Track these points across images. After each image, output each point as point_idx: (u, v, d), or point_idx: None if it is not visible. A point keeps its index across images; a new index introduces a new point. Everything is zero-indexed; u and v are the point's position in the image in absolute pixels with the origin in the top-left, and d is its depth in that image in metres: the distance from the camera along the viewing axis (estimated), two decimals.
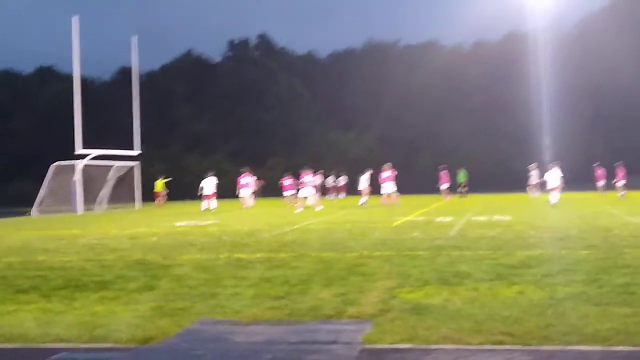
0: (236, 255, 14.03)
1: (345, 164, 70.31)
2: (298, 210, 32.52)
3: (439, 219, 23.94)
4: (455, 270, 11.02)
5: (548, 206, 30.71)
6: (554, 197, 31.66)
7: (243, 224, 23.80)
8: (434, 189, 47.65)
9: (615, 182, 41.98)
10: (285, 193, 39.61)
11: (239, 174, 40.04)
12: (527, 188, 44.95)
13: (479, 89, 75.78)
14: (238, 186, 37.95)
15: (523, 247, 14.15)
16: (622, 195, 39.61)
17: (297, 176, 38.38)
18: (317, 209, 33.39)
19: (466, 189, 48.11)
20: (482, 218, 23.64)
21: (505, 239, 15.78)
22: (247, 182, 39.43)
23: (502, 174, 45.76)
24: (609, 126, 71.33)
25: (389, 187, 38.01)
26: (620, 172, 41.77)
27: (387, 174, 38.04)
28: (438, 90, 76.02)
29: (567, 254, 12.91)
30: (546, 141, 60.94)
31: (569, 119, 67.53)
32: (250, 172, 38.62)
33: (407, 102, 77.78)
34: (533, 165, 42.89)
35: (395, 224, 22.07)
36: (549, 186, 33.09)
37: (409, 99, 77.51)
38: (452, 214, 26.81)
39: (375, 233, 18.53)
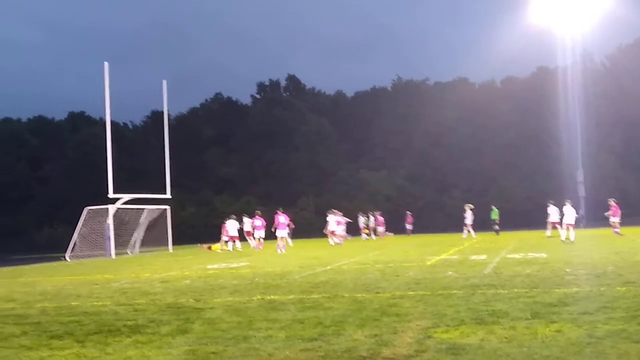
0: (268, 297, 13.94)
1: (376, 203, 70.15)
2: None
3: (473, 257, 23.68)
4: (491, 309, 10.85)
5: (584, 243, 30.32)
6: (570, 234, 31.73)
7: (274, 266, 23.72)
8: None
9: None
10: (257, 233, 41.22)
11: (270, 215, 40.56)
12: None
13: (510, 125, 75.41)
14: (273, 226, 38.14)
15: (559, 284, 13.92)
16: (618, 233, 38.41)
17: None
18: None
19: (497, 227, 47.59)
20: (516, 256, 23.33)
21: (541, 277, 15.54)
22: (261, 224, 40.91)
23: (535, 210, 45.29)
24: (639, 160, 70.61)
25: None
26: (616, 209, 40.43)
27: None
28: (468, 128, 75.83)
29: (604, 290, 12.66)
30: (580, 177, 60.32)
31: (600, 154, 66.99)
32: (282, 212, 38.74)
33: (437, 140, 77.67)
34: (551, 202, 42.29)
35: (429, 262, 21.86)
36: (565, 222, 32.91)
37: (439, 136, 77.41)
38: (486, 252, 26.52)
39: (409, 272, 18.36)
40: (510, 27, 77.37)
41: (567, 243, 30.67)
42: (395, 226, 57.09)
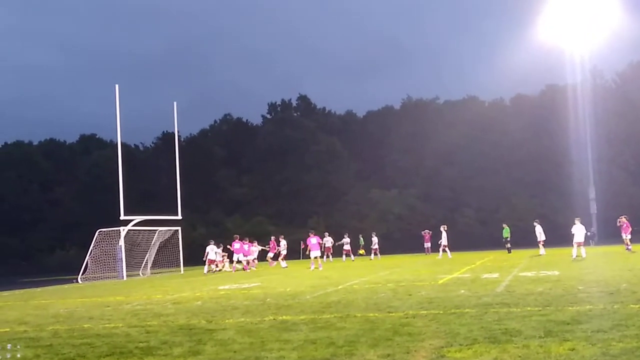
0: (280, 318, 13.91)
1: (387, 222, 70.12)
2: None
3: (485, 275, 23.57)
4: (504, 327, 10.78)
5: (596, 260, 30.18)
6: (582, 251, 31.76)
7: (286, 286, 23.67)
8: (478, 246, 47.14)
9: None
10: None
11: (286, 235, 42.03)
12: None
13: (520, 142, 75.35)
14: (302, 246, 38.92)
15: (573, 302, 13.83)
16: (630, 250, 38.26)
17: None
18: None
19: (509, 244, 47.39)
20: (529, 274, 23.21)
21: (554, 295, 15.45)
22: (239, 248, 42.14)
23: (547, 228, 45.10)
24: None
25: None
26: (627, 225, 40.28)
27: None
28: (479, 146, 75.80)
29: (618, 308, 12.57)
30: (591, 194, 60.10)
31: (612, 171, 66.78)
32: (314, 235, 39.35)
33: (447, 159, 77.64)
34: (537, 221, 42.30)
35: (441, 281, 21.78)
36: (575, 240, 32.84)
37: (450, 155, 77.38)
38: (498, 270, 26.40)
39: (421, 291, 18.29)
40: (520, 45, 77.57)
41: (579, 260, 30.54)
42: (408, 245, 56.92)
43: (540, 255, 38.39)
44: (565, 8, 59.58)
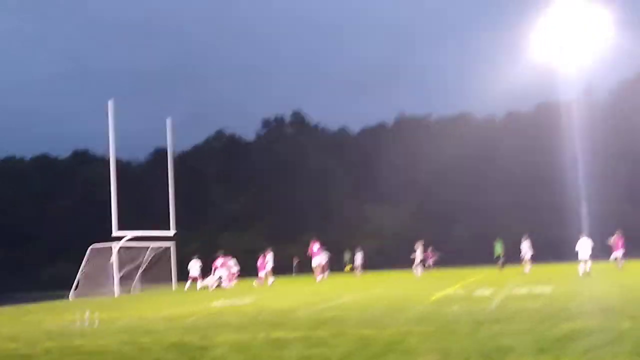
0: (273, 335, 13.87)
1: (381, 238, 70.09)
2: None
3: (478, 292, 23.59)
4: (498, 344, 10.78)
5: (589, 277, 30.29)
6: (587, 266, 31.96)
7: (279, 302, 23.63)
8: (471, 262, 47.14)
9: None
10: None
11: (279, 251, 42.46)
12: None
13: (513, 159, 75.51)
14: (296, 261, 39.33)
15: (566, 319, 13.83)
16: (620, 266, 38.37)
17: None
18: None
19: (503, 260, 47.42)
20: (522, 290, 23.23)
21: (547, 312, 15.45)
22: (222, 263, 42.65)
23: (540, 244, 45.21)
24: None
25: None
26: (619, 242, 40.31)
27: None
28: (472, 162, 75.94)
29: (610, 325, 12.57)
30: (584, 210, 60.22)
31: (605, 188, 66.87)
32: (316, 241, 39.70)
33: (441, 175, 77.69)
34: (524, 237, 42.42)
35: (433, 298, 21.77)
36: (581, 257, 33.00)
37: (443, 171, 77.44)
38: (492, 286, 26.40)
39: (414, 308, 18.28)
40: (513, 62, 77.83)
41: (585, 277, 30.77)
42: (401, 261, 56.80)
43: (526, 272, 38.60)
44: (558, 25, 59.85)
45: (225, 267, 42.43)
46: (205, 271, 44.46)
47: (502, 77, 77.95)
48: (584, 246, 33.61)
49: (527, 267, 40.16)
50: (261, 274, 43.43)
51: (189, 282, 42.65)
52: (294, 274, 54.39)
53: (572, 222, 59.51)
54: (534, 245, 42.09)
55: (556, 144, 67.31)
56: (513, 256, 44.90)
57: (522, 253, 41.12)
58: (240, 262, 45.97)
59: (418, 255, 45.47)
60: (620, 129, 70.09)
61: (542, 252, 49.57)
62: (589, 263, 32.97)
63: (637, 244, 42.44)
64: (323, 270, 44.73)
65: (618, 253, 38.48)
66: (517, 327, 12.82)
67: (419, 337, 12.20)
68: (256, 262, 44.96)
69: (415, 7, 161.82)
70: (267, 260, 43.94)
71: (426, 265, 50.95)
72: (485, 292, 23.40)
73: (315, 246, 37.89)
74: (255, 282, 42.23)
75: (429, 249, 52.08)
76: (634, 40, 70.38)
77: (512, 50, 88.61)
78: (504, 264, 46.80)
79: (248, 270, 46.94)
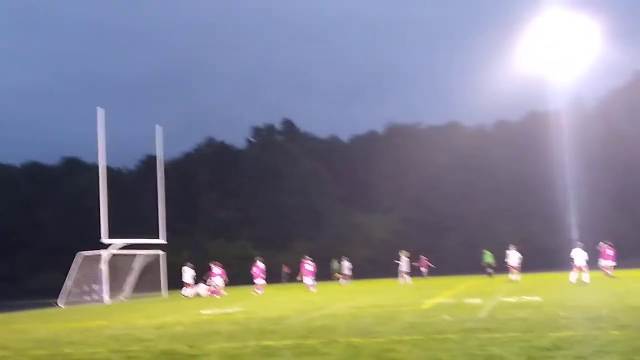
0: (263, 343, 13.88)
1: (370, 246, 70.11)
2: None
3: (468, 300, 23.64)
4: (487, 353, 10.83)
5: (578, 286, 30.42)
6: (583, 276, 32.11)
7: (270, 311, 23.63)
8: (460, 270, 47.25)
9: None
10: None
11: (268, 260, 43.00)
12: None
13: (503, 168, 75.79)
14: (285, 269, 39.57)
15: (554, 328, 13.89)
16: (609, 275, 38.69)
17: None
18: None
19: (492, 268, 47.59)
20: (511, 299, 23.30)
21: (536, 320, 15.52)
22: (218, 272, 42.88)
23: (530, 253, 45.42)
24: (633, 202, 70.83)
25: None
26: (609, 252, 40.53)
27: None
28: (462, 171, 76.16)
29: (599, 334, 12.64)
30: (572, 219, 60.52)
31: (594, 197, 67.18)
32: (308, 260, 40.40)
33: (430, 184, 77.89)
34: (512, 246, 42.56)
35: (424, 306, 21.83)
36: (576, 264, 33.22)
37: (433, 180, 77.64)
38: (481, 295, 26.48)
39: (404, 316, 18.32)
40: (503, 71, 78.03)
41: (579, 285, 31.03)
42: (391, 270, 56.88)
43: (513, 280, 38.77)
44: (547, 35, 60.24)
45: (220, 275, 42.50)
46: (198, 278, 44.54)
47: (491, 86, 78.28)
48: (579, 254, 33.85)
49: (516, 275, 40.29)
50: (257, 281, 43.15)
51: (187, 289, 42.83)
52: (284, 282, 54.37)
53: (561, 230, 59.83)
54: (524, 254, 42.23)
55: (545, 153, 67.68)
56: (502, 265, 45.02)
57: (511, 262, 41.27)
58: (231, 269, 45.99)
59: (403, 264, 45.87)
60: (609, 138, 70.45)
61: (532, 260, 49.77)
62: (586, 272, 33.19)
63: (626, 252, 42.66)
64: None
65: (605, 262, 38.77)
66: (506, 336, 12.87)
67: (409, 346, 12.24)
68: (249, 269, 44.85)
69: (406, 17, 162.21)
70: (261, 267, 43.66)
71: (422, 273, 51.03)
72: (475, 300, 23.46)
73: (306, 265, 38.71)
74: (254, 290, 42.07)
75: (424, 258, 52.13)
76: (621, 50, 71.01)
77: (502, 60, 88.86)
78: (493, 272, 46.96)
79: (241, 277, 46.97)
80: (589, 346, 11.15)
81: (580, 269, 33.48)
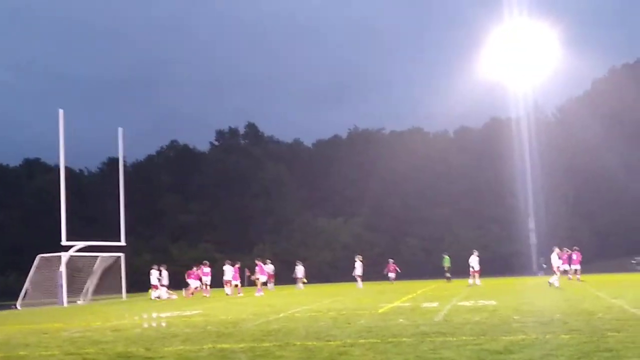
0: (219, 346, 13.93)
1: (332, 250, 70.27)
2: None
3: (425, 304, 23.87)
4: (439, 356, 11.00)
5: (534, 291, 30.83)
6: (554, 278, 32.86)
7: (228, 314, 23.64)
8: (421, 275, 47.60)
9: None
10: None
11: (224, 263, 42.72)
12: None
13: (464, 174, 76.55)
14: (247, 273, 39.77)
15: (507, 332, 14.12)
16: (578, 279, 39.55)
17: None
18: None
19: (450, 273, 48.02)
20: (467, 303, 23.58)
21: (490, 324, 15.74)
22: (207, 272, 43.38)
23: (489, 258, 45.96)
24: (591, 208, 71.89)
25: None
26: (576, 256, 41.60)
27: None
28: (423, 177, 76.73)
29: (550, 338, 12.87)
30: (531, 224, 61.31)
31: (553, 202, 68.08)
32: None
33: (392, 189, 78.36)
34: (473, 251, 43.20)
35: (381, 310, 21.99)
36: (554, 265, 34.04)
37: (395, 185, 78.14)
38: (438, 299, 26.73)
39: (361, 320, 18.45)
40: (465, 79, 78.97)
41: (553, 288, 31.64)
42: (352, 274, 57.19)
43: (472, 285, 39.30)
44: (508, 44, 61.03)
45: (203, 276, 42.68)
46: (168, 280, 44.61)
47: (454, 93, 79.16)
48: (555, 259, 34.68)
49: (476, 280, 40.78)
50: (234, 283, 43.31)
51: (154, 291, 42.74)
52: (245, 286, 54.24)
53: (520, 236, 60.53)
54: (483, 259, 42.75)
55: (505, 159, 68.49)
56: (461, 269, 45.50)
57: (471, 266, 41.78)
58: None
59: (357, 268, 46.44)
60: (568, 145, 71.44)
61: (491, 265, 50.34)
62: (558, 276, 33.83)
63: (584, 257, 43.33)
64: (266, 283, 45.51)
65: (563, 266, 39.42)
66: (459, 340, 13.06)
67: (363, 349, 12.37)
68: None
69: (367, 24, 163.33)
70: (231, 271, 43.71)
71: (390, 278, 51.11)
72: (433, 304, 23.70)
73: (263, 267, 39.94)
74: (238, 293, 41.96)
75: (392, 262, 52.34)
76: (580, 59, 72.03)
77: (464, 68, 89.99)
78: (451, 276, 47.42)
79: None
80: (538, 350, 11.38)
81: (558, 270, 34.19)
